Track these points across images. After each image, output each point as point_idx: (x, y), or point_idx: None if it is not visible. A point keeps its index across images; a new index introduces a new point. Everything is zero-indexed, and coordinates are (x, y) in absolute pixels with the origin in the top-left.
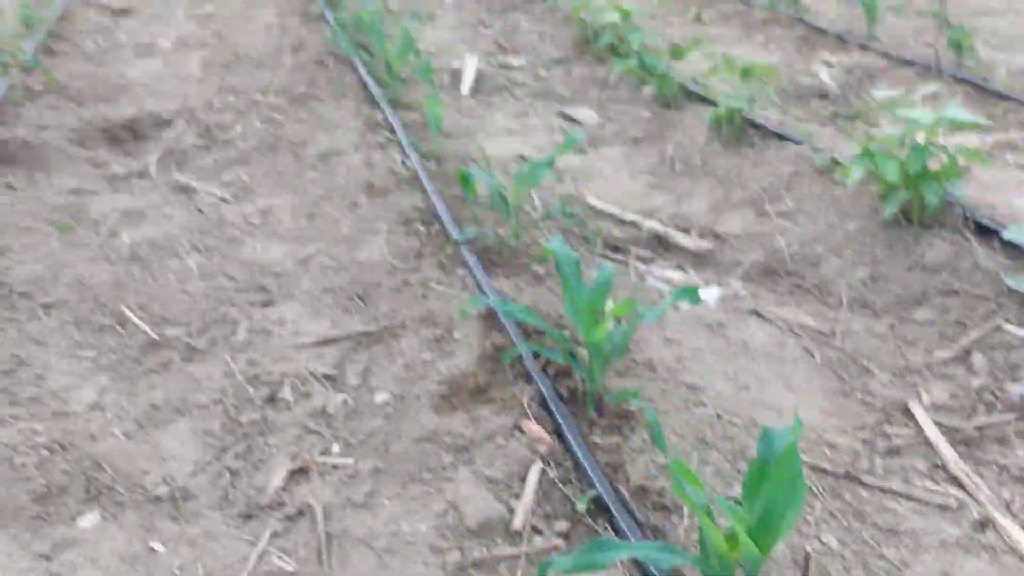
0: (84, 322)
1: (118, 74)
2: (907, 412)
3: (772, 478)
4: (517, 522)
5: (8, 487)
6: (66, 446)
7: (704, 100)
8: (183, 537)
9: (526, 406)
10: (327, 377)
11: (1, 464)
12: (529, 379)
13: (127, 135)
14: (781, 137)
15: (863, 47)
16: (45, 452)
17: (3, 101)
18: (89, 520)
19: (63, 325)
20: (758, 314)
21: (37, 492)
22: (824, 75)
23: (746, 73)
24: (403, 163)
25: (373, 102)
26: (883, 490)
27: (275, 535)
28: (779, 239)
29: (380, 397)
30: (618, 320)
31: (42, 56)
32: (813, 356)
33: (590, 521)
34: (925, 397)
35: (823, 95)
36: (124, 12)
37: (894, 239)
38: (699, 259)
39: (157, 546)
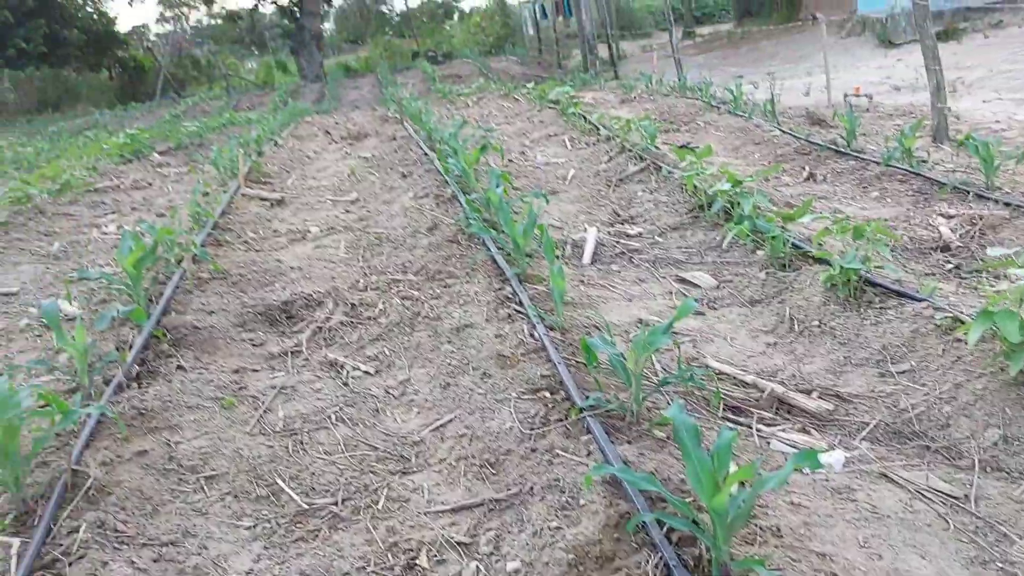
0: (242, 493)
1: (274, 260)
2: None
3: None
4: None
5: None
6: None
7: (819, 260)
8: None
9: (651, 575)
10: (461, 544)
11: None
12: (654, 547)
13: (282, 316)
14: (900, 295)
15: (982, 197)
16: None
17: (176, 290)
18: None
19: (223, 496)
20: (887, 477)
21: None
22: (943, 228)
23: (858, 233)
24: (531, 334)
25: (502, 277)
26: None
27: None
28: (904, 399)
29: (511, 565)
30: (741, 485)
31: (209, 247)
32: (947, 522)
33: None
34: None
35: (944, 248)
36: (279, 203)
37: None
38: (822, 421)
39: None
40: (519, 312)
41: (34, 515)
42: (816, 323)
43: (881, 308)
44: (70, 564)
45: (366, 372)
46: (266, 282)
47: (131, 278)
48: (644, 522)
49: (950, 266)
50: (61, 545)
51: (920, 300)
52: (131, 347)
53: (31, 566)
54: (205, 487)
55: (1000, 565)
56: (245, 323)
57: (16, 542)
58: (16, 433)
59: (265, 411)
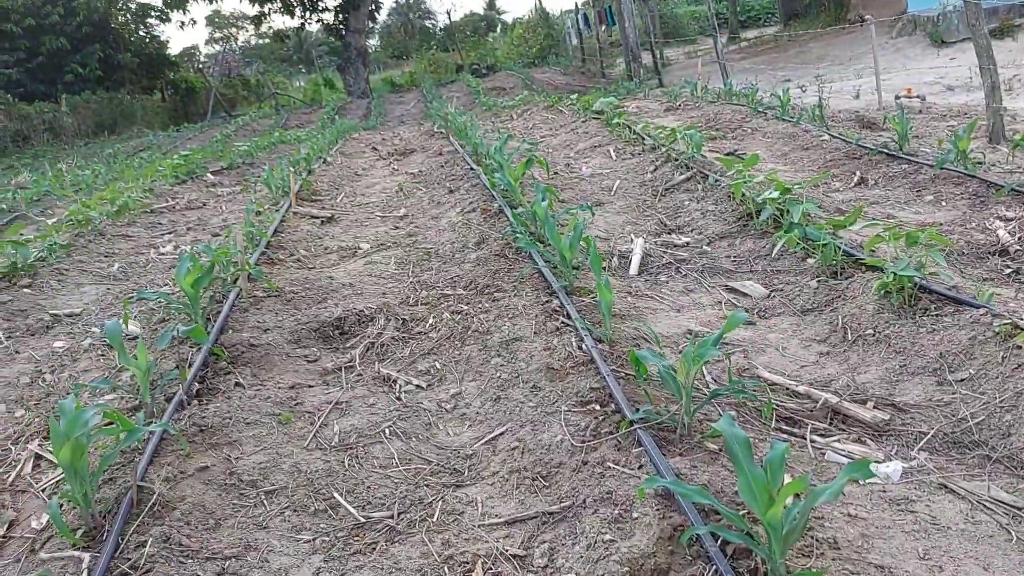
0: (301, 507)
1: (326, 277)
2: None
3: None
4: None
5: None
6: None
7: (872, 268)
8: None
9: None
10: (516, 557)
11: None
12: (708, 560)
13: (335, 332)
14: (957, 301)
15: None
16: None
17: (233, 308)
18: None
19: (283, 510)
20: (946, 488)
21: None
22: (1001, 232)
23: (912, 239)
24: (579, 346)
25: (549, 290)
26: None
27: None
28: (963, 408)
29: None
30: (796, 497)
31: (263, 265)
32: (1010, 533)
33: None
34: None
35: (1002, 252)
36: (329, 220)
37: None
38: (879, 431)
39: None
40: (567, 325)
41: (102, 530)
42: (870, 331)
43: (937, 315)
44: None
45: (418, 386)
46: (319, 299)
47: (189, 298)
48: (698, 535)
49: (1009, 271)
50: (129, 559)
51: (978, 307)
52: (191, 365)
53: None
54: (265, 501)
55: None
56: (300, 340)
57: (87, 556)
58: (84, 451)
59: (321, 426)
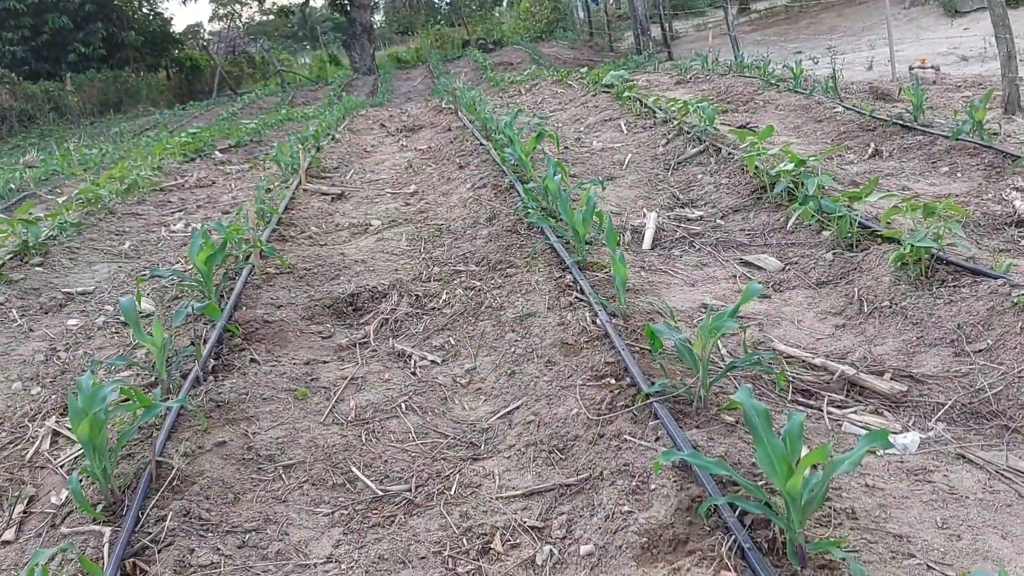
0: (319, 481)
1: (338, 253)
2: None
3: None
4: None
5: None
6: None
7: (888, 239)
8: None
9: (725, 557)
10: (534, 528)
11: None
12: (727, 530)
13: (349, 309)
14: (974, 272)
15: None
16: None
17: (246, 285)
18: None
19: (301, 484)
20: (964, 458)
21: None
22: (1018, 202)
23: (928, 211)
24: (593, 321)
25: (563, 265)
26: None
27: None
28: (981, 379)
29: (584, 548)
30: (814, 468)
31: (274, 242)
32: None
33: None
34: None
35: (1019, 223)
36: (340, 197)
37: None
38: (896, 403)
39: None
40: (580, 300)
41: (122, 505)
42: (887, 303)
43: (954, 287)
44: (159, 551)
45: (433, 362)
46: (331, 275)
47: (202, 275)
48: (716, 506)
49: None
50: (149, 533)
51: (996, 277)
52: (205, 342)
53: (122, 554)
54: (283, 476)
55: None
56: (313, 316)
57: (107, 531)
58: (102, 427)
59: (337, 401)
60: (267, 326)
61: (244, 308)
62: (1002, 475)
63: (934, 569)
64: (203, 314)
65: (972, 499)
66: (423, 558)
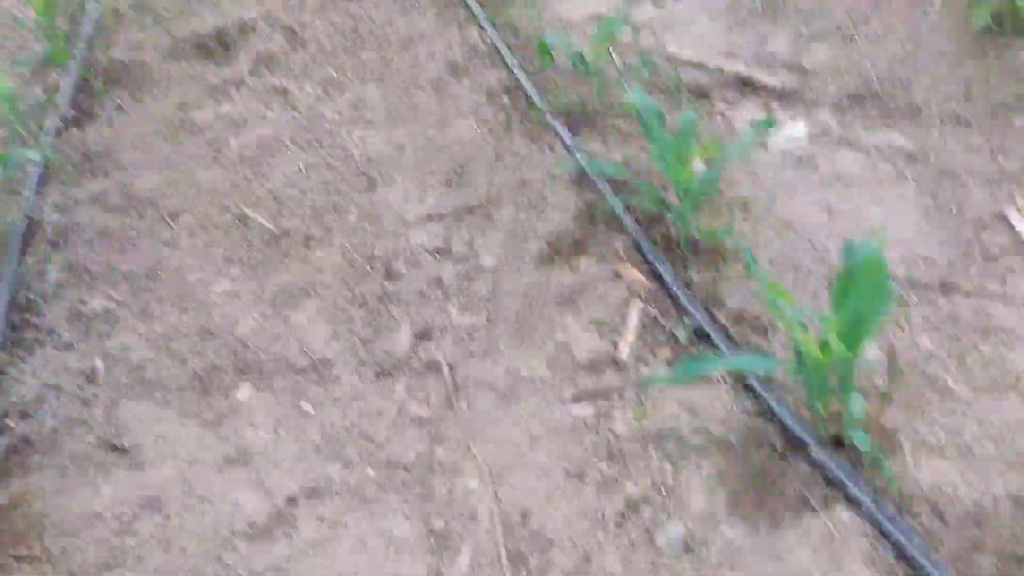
0: (209, 224)
1: None
2: (1003, 219)
3: (857, 285)
4: (623, 354)
5: (170, 370)
6: (212, 331)
7: None
8: (329, 398)
9: (622, 253)
10: (437, 249)
11: (160, 351)
12: (623, 229)
13: (216, 46)
14: None
15: None
16: (196, 338)
17: (98, 27)
18: (244, 392)
19: (190, 229)
20: (849, 143)
21: (196, 372)
22: None
23: None
24: (483, 40)
25: None
26: (979, 294)
27: (409, 389)
28: (867, 64)
29: (487, 261)
30: (706, 162)
31: None
32: (906, 177)
33: (692, 350)
34: (1022, 202)
35: None
36: None
37: (987, 49)
38: (786, 96)
39: (307, 407)
40: (468, 18)
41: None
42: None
43: None
44: (47, 304)
45: (316, 96)
46: (190, 11)
47: (42, 15)
48: (615, 214)
49: None
50: (33, 287)
51: None
52: (59, 90)
53: (7, 310)
54: (170, 222)
55: (955, 210)
56: (179, 56)
57: None
58: None
59: (217, 142)
60: (127, 70)
61: (98, 52)
62: (884, 155)
63: (816, 243)
64: (52, 63)
65: (855, 180)
66: (327, 286)
